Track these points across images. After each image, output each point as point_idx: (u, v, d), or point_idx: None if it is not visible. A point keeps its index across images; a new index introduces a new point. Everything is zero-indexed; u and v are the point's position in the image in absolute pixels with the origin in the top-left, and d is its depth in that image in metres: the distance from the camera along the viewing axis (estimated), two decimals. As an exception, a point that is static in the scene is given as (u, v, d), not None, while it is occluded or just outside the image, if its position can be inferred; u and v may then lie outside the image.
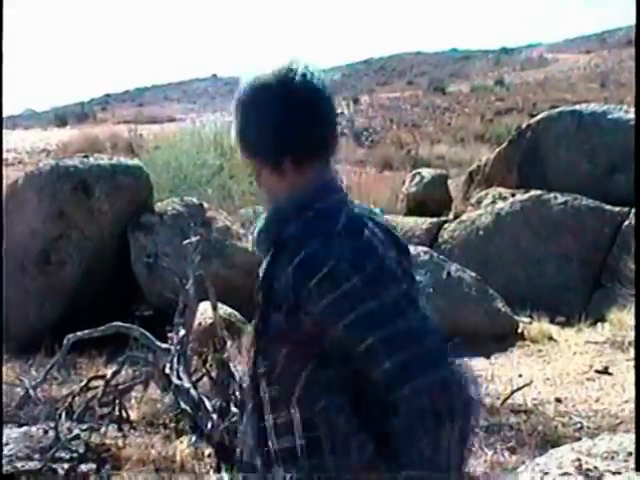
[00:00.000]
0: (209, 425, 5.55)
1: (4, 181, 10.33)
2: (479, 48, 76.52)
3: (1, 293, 7.42)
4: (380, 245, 2.02)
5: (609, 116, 13.17)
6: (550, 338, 9.68)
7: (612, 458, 3.86)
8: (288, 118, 2.07)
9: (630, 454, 3.86)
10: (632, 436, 4.22)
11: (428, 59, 73.68)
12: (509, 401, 7.03)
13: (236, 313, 8.70)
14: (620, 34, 68.04)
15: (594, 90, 40.14)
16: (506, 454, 5.71)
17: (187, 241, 6.68)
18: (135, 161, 11.52)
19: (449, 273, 9.73)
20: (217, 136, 17.07)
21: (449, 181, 17.46)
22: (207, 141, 16.75)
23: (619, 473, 3.73)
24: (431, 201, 15.41)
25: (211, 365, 6.17)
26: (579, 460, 3.85)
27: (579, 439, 5.29)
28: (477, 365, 8.37)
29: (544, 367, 8.63)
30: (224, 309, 8.07)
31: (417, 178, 16.72)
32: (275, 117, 2.07)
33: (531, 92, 42.94)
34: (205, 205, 10.73)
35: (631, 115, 13.15)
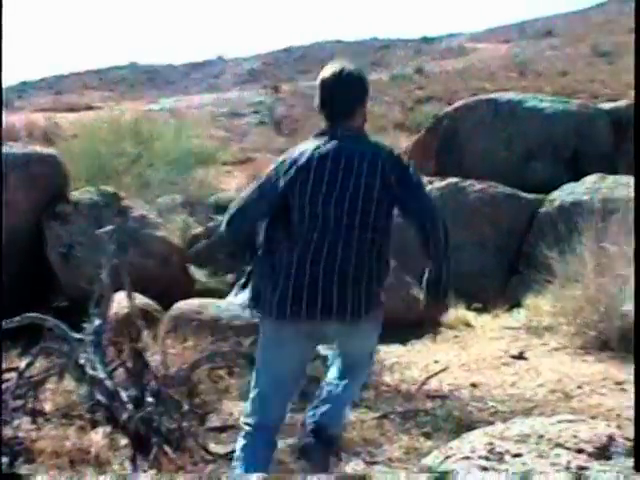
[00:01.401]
0: (125, 416, 5.50)
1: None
2: (399, 37, 76.70)
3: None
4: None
5: (525, 105, 13.39)
6: (467, 324, 9.81)
7: (524, 441, 3.91)
8: None
9: (541, 437, 3.91)
10: (544, 419, 4.29)
11: (349, 48, 73.73)
12: (425, 387, 7.09)
13: (152, 302, 8.63)
14: (539, 24, 68.90)
15: (513, 79, 40.54)
16: (421, 439, 5.75)
17: (101, 230, 6.60)
18: (50, 150, 11.34)
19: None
20: (135, 124, 16.92)
21: (369, 169, 17.53)
22: (126, 129, 16.57)
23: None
24: (350, 189, 15.46)
25: (127, 355, 6.11)
26: (491, 444, 3.89)
27: (493, 423, 5.36)
28: (394, 351, 8.44)
29: (460, 353, 8.72)
30: (140, 299, 7.99)
31: (337, 166, 16.76)
32: None
33: (451, 81, 43.26)
34: (121, 194, 10.62)
35: (546, 104, 13.39)
